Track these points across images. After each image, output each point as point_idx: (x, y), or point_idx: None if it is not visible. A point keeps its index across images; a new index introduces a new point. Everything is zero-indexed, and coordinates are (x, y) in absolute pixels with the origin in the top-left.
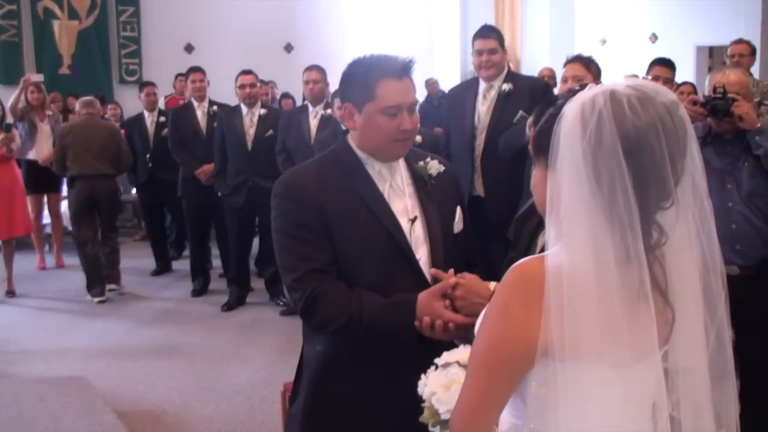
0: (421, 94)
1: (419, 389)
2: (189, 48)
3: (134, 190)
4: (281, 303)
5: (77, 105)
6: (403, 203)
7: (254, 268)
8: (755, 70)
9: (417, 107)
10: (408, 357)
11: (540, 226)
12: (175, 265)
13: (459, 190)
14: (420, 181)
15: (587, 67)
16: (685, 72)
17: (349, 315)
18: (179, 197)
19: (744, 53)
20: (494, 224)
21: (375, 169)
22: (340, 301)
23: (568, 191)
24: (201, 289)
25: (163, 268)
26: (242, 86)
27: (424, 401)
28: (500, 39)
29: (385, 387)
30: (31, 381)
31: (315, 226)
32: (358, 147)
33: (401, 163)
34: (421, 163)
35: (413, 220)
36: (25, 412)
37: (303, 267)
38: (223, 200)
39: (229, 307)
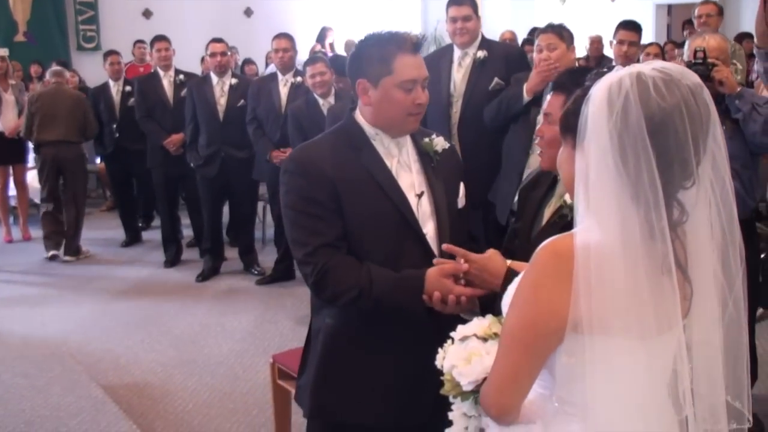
0: None
1: (437, 362)
2: (147, 13)
3: (98, 160)
4: (256, 272)
5: (47, 74)
6: (410, 178)
7: (226, 238)
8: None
9: None
10: (416, 328)
11: (546, 196)
12: (145, 235)
13: (461, 166)
14: (426, 158)
15: (560, 36)
16: (645, 30)
17: (360, 288)
18: (148, 168)
19: (711, 13)
20: (473, 191)
21: (384, 145)
22: (351, 275)
23: (595, 170)
24: (173, 260)
25: (133, 239)
26: (213, 54)
27: (443, 374)
28: (474, 6)
29: (394, 356)
30: (12, 358)
31: (325, 201)
32: (368, 122)
33: (408, 139)
34: (427, 139)
35: (420, 195)
36: (11, 390)
37: (314, 241)
38: (192, 170)
39: (203, 277)
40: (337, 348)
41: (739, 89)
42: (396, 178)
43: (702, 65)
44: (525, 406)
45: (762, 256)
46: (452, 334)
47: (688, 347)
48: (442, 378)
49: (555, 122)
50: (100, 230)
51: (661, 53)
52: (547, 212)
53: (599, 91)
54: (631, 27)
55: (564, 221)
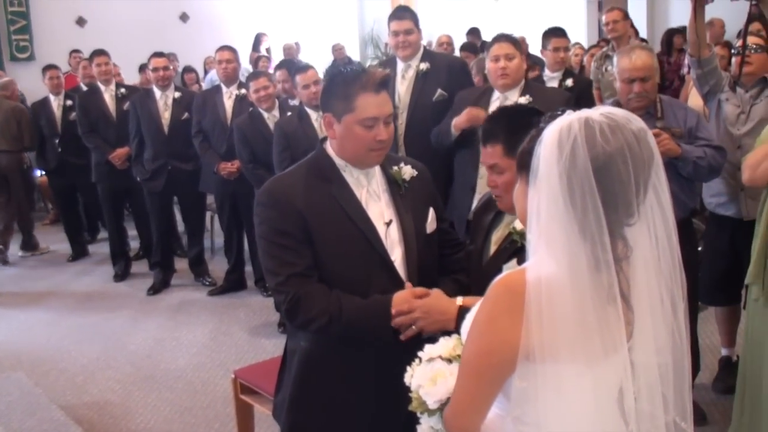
0: (328, 60)
1: (406, 380)
2: (81, 21)
3: (39, 173)
4: (207, 283)
5: None
6: (379, 208)
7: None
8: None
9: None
10: (386, 350)
11: (494, 221)
12: (90, 248)
13: (432, 190)
14: (394, 185)
15: (516, 46)
16: (577, 27)
17: (330, 315)
18: (94, 182)
19: (617, 19)
20: None
21: (353, 176)
22: (321, 303)
23: (546, 207)
24: (123, 274)
25: (79, 253)
26: (155, 69)
27: (411, 391)
28: (415, 19)
29: (365, 377)
30: None
31: (295, 232)
32: (336, 155)
33: (377, 169)
34: (396, 168)
35: (388, 224)
36: None
37: (285, 271)
38: (138, 182)
39: (155, 290)
40: (311, 370)
41: (679, 152)
42: (365, 207)
43: None
44: (485, 425)
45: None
46: (420, 354)
47: (634, 368)
48: (410, 395)
49: (503, 171)
50: (45, 244)
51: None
52: (495, 237)
53: (551, 133)
54: (560, 33)
55: (514, 247)
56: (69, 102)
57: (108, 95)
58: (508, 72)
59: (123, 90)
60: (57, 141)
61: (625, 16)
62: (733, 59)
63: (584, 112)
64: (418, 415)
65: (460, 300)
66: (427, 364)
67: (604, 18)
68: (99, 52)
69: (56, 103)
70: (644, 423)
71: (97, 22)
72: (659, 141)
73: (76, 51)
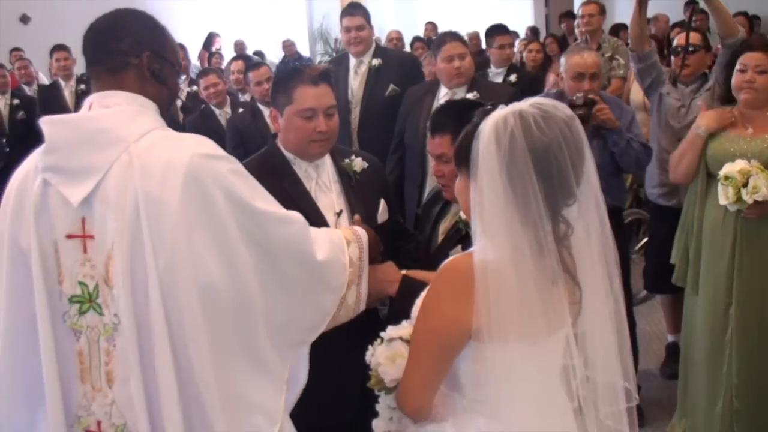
0: (278, 55)
1: (367, 358)
2: (25, 19)
3: None
4: None
5: None
6: (329, 199)
7: None
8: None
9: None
10: (335, 334)
11: (441, 213)
12: None
13: (384, 182)
14: (346, 177)
15: (465, 44)
16: (524, 23)
17: None
18: None
19: (594, 13)
20: None
21: (302, 169)
22: None
23: (488, 199)
24: None
25: None
26: None
27: (371, 369)
28: (366, 16)
29: (316, 361)
30: None
31: None
32: (284, 148)
33: (328, 161)
34: (347, 160)
35: (339, 214)
36: None
37: None
38: None
39: None
40: None
41: (618, 124)
42: (315, 199)
43: (584, 107)
44: (437, 406)
45: (645, 240)
46: (382, 334)
47: (582, 338)
48: (369, 372)
49: (449, 159)
50: None
51: (542, 49)
52: (442, 227)
53: (487, 128)
54: (503, 31)
55: (459, 235)
56: (16, 101)
57: (68, 91)
58: (463, 71)
59: (83, 86)
60: (4, 141)
61: (602, 10)
62: (673, 58)
63: (516, 105)
64: (376, 392)
65: (404, 272)
66: (388, 344)
67: (580, 11)
68: (58, 48)
69: (2, 102)
70: (602, 393)
71: (42, 20)
72: (599, 109)
73: (17, 49)
